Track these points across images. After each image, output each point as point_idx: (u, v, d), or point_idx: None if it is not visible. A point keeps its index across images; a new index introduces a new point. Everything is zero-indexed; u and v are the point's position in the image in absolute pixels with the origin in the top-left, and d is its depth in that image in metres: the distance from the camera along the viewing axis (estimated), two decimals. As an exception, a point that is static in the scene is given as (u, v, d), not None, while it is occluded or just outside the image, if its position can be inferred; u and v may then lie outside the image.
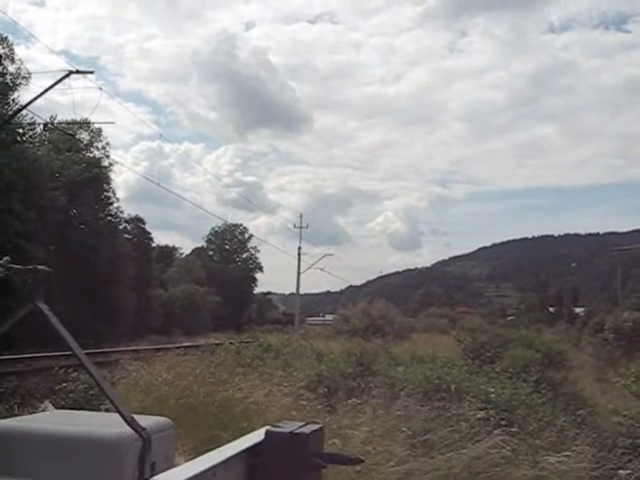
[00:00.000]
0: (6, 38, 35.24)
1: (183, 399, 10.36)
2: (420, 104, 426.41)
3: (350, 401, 10.68)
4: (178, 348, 21.47)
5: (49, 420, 1.56)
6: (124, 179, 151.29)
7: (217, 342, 22.38)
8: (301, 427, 1.54)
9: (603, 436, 10.03)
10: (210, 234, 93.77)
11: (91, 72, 26.74)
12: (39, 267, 1.35)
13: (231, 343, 20.25)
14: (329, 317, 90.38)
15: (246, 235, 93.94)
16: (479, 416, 9.54)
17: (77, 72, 25.71)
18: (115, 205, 47.80)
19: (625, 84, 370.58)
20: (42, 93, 26.59)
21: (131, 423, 1.34)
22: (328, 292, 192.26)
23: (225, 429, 8.53)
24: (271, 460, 1.47)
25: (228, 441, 1.51)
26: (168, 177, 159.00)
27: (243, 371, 13.81)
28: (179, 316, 59.61)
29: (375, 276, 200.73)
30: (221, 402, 10.20)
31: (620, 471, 7.75)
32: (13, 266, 1.34)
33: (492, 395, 11.30)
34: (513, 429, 8.93)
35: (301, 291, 65.60)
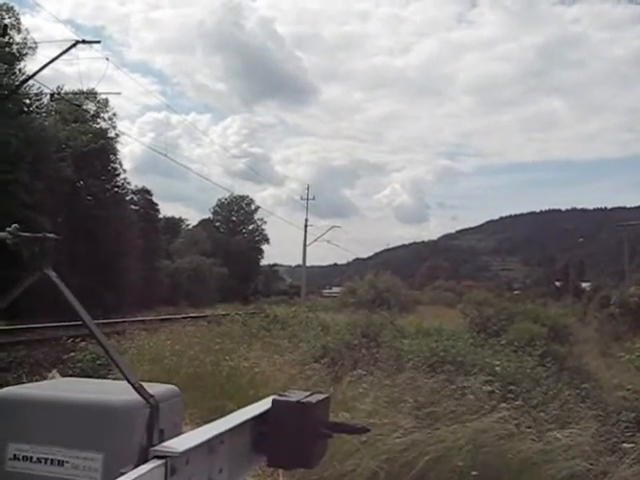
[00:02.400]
0: (12, 8, 35.06)
1: (191, 369, 10.44)
2: (428, 76, 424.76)
3: (355, 372, 10.65)
4: (185, 319, 21.63)
5: (56, 387, 1.57)
6: (130, 150, 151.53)
7: (224, 313, 22.81)
8: (308, 396, 1.54)
9: (607, 410, 10.10)
10: (217, 205, 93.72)
11: (97, 42, 26.65)
12: (48, 235, 1.35)
13: (237, 314, 20.35)
14: (336, 289, 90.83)
15: (253, 207, 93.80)
16: (484, 389, 9.54)
17: (83, 42, 25.59)
18: (122, 176, 47.79)
19: (635, 57, 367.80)
20: (48, 63, 26.51)
21: (139, 390, 1.35)
22: (335, 264, 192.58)
23: (232, 398, 8.60)
24: (278, 428, 1.48)
25: (234, 410, 1.52)
26: (175, 148, 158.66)
27: (249, 342, 13.97)
28: (186, 287, 59.90)
29: (382, 249, 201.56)
30: (228, 372, 10.28)
31: (624, 444, 7.78)
32: (22, 234, 1.34)
33: (497, 368, 11.36)
34: (518, 402, 8.91)
35: (307, 263, 65.69)
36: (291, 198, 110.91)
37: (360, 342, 14.29)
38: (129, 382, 1.35)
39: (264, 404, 1.53)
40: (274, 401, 1.51)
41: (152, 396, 1.37)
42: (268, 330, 17.23)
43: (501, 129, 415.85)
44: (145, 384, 1.41)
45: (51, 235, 1.34)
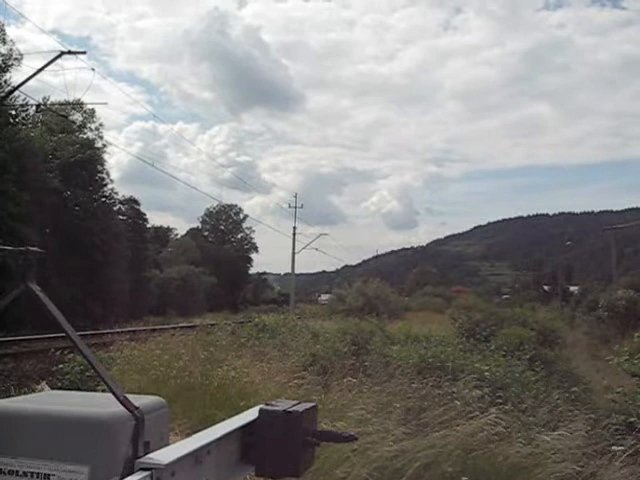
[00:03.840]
0: (-4, 19, 34.91)
1: (180, 379, 10.42)
2: (414, 83, 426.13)
3: (345, 380, 10.75)
4: (174, 328, 21.49)
5: (42, 400, 1.57)
6: (117, 160, 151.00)
7: (213, 322, 22.66)
8: (294, 405, 1.55)
9: (597, 413, 10.08)
10: (205, 215, 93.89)
11: (83, 52, 26.57)
12: (31, 248, 1.35)
13: (227, 323, 20.47)
14: (324, 297, 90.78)
15: (241, 215, 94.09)
16: (474, 394, 9.61)
17: (69, 52, 25.54)
18: (109, 186, 47.59)
19: (621, 62, 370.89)
20: (34, 74, 26.42)
21: (124, 402, 1.35)
22: (323, 272, 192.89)
23: (221, 408, 8.61)
24: (264, 438, 1.48)
25: (223, 420, 1.52)
26: (162, 158, 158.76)
27: (239, 351, 14.05)
28: (174, 297, 59.72)
29: (370, 255, 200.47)
30: (217, 382, 10.24)
31: (613, 447, 7.80)
32: (5, 248, 1.34)
33: (486, 373, 11.39)
34: (507, 407, 8.98)
35: (296, 271, 65.93)
36: (279, 206, 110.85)
37: (350, 350, 14.51)
38: (114, 394, 1.35)
39: (251, 414, 1.54)
40: (261, 411, 1.52)
41: (137, 408, 1.37)
42: (257, 339, 17.30)
43: (487, 134, 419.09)
44: (131, 396, 1.41)
45: (34, 248, 1.34)
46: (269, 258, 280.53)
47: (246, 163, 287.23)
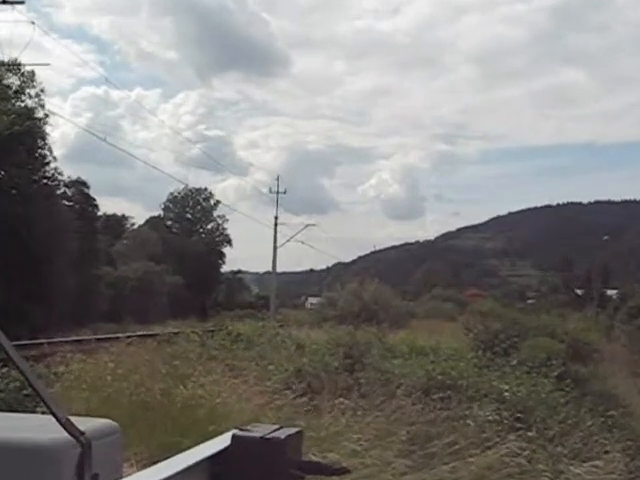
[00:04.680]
0: None
1: (137, 398, 10.47)
2: (421, 43, 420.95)
3: (337, 401, 10.90)
4: (130, 338, 21.38)
5: (-30, 424, 1.56)
6: (62, 133, 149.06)
7: (177, 331, 22.77)
8: (275, 431, 1.54)
9: (638, 442, 10.22)
10: (168, 200, 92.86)
11: (21, 2, 26.39)
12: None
13: (194, 332, 20.37)
14: (312, 300, 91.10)
15: (212, 201, 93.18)
16: (490, 418, 9.76)
17: (4, 2, 25.37)
18: (52, 165, 47.22)
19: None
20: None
21: (67, 426, 1.34)
22: (311, 270, 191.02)
23: (187, 434, 8.63)
24: (238, 469, 1.47)
25: (189, 448, 1.51)
26: (116, 131, 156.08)
27: (208, 365, 14.02)
28: (131, 300, 59.34)
29: (368, 251, 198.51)
30: (182, 402, 10.26)
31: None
32: None
33: (506, 393, 11.59)
34: (530, 433, 9.07)
35: (278, 269, 65.95)
36: (258, 191, 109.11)
37: (342, 364, 14.61)
38: (55, 417, 1.33)
39: (222, 441, 1.53)
40: (234, 437, 1.51)
41: (83, 433, 1.35)
42: (231, 351, 17.46)
43: (509, 106, 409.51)
44: (76, 418, 1.39)
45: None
46: (246, 253, 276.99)
47: (218, 138, 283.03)
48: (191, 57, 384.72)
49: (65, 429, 1.32)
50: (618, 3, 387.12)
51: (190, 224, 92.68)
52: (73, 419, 1.36)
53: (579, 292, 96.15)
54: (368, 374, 13.65)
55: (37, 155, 45.33)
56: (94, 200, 58.37)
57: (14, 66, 39.87)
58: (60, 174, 49.19)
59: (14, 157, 41.70)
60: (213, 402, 10.25)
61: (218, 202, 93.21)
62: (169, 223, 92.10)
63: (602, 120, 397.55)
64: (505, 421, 9.77)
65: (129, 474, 1.37)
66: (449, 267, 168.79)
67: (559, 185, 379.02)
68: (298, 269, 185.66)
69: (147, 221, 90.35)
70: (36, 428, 1.42)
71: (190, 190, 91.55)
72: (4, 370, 11.92)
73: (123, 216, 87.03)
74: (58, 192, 49.74)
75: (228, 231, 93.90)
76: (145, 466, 6.46)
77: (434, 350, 17.32)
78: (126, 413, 9.30)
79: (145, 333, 28.11)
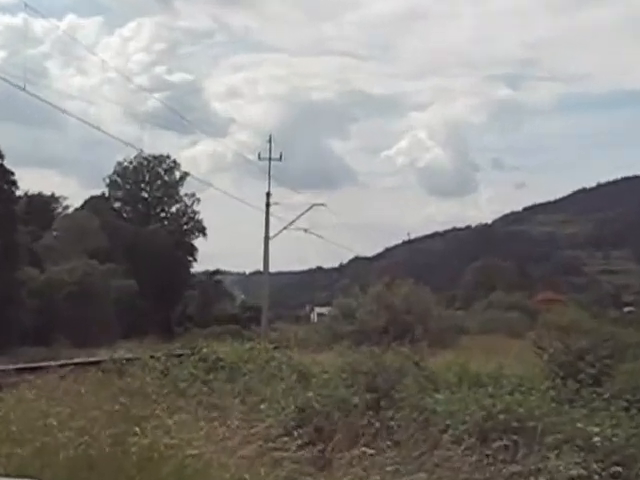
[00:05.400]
0: None
1: (76, 452, 8.60)
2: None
3: (357, 452, 9.46)
4: (64, 367, 18.59)
5: None
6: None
7: (131, 356, 20.36)
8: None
9: None
10: (115, 173, 78.92)
11: None
12: None
13: (154, 357, 18.62)
14: (321, 311, 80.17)
15: (177, 174, 79.22)
16: (575, 473, 8.84)
17: None
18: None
19: None
20: None
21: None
22: (319, 269, 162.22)
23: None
24: None
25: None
26: (40, 76, 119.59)
27: (175, 403, 12.54)
28: (65, 313, 50.64)
29: (398, 241, 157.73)
30: (139, 454, 8.64)
31: None
32: None
33: (597, 438, 10.28)
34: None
35: (273, 268, 57.83)
36: (242, 158, 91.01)
37: (364, 400, 13.20)
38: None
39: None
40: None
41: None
42: (206, 383, 15.57)
43: (596, 35, 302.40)
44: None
45: None
46: (226, 247, 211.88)
47: (185, 85, 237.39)
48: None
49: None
50: None
51: (147, 206, 79.37)
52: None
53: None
54: (400, 414, 12.16)
55: None
56: (11, 174, 50.38)
57: None
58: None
59: None
60: (182, 454, 8.62)
61: (186, 175, 78.07)
62: (117, 205, 78.94)
63: None
64: (596, 477, 8.86)
65: None
66: (513, 262, 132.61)
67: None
68: (300, 268, 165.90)
69: (86, 202, 75.30)
70: None
71: (146, 158, 77.17)
72: None
73: (52, 196, 75.64)
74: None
75: (200, 215, 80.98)
76: None
77: (494, 379, 15.53)
78: (63, 470, 8.06)
79: (86, 360, 25.21)
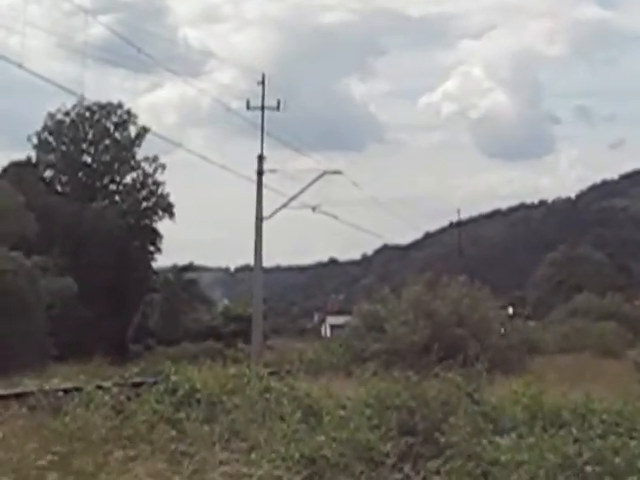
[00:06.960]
0: None
1: None
2: None
3: None
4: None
5: None
6: None
7: (70, 386, 16.28)
8: None
9: None
10: (44, 129, 60.43)
11: None
12: None
13: (102, 387, 14.69)
14: (335, 321, 68.00)
15: (132, 130, 60.54)
16: None
17: None
18: None
19: None
20: None
21: None
22: (332, 263, 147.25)
23: None
24: None
25: None
26: None
27: (132, 451, 10.06)
28: None
29: (444, 223, 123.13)
30: None
31: None
32: None
33: None
34: None
35: (269, 262, 48.23)
36: (222, 107, 54.69)
37: (398, 447, 11.11)
38: None
39: None
40: None
41: None
42: (175, 423, 12.57)
43: None
44: None
45: None
46: (202, 231, 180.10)
47: (143, 4, 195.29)
48: None
49: None
50: None
51: (90, 175, 60.52)
52: None
53: None
54: (449, 465, 10.07)
55: None
56: None
57: None
58: None
59: None
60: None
61: (145, 131, 59.49)
62: (48, 174, 60.41)
63: None
64: None
65: None
66: (606, 251, 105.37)
67: None
68: (306, 261, 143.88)
69: (4, 171, 57.73)
70: None
71: (89, 108, 59.32)
72: None
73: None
74: None
75: (166, 188, 61.78)
76: None
77: (580, 416, 12.63)
78: None
79: (5, 393, 19.73)
